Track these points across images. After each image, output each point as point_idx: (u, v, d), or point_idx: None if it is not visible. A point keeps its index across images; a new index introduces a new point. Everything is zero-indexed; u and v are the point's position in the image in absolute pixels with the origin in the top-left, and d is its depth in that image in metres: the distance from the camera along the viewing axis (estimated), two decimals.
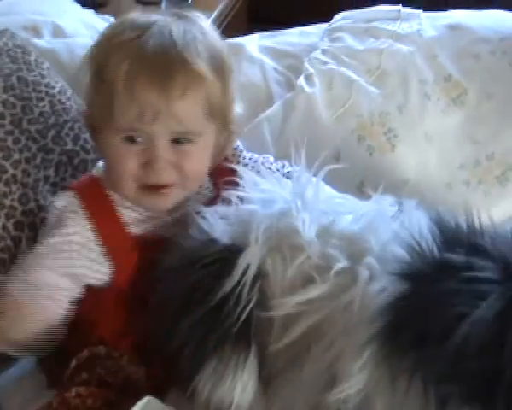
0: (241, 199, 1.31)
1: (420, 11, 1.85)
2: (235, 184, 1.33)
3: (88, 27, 2.02)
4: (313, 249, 1.20)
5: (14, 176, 1.49)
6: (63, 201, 1.36)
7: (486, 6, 1.87)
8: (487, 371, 1.01)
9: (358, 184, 1.60)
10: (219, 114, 1.33)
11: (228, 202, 1.32)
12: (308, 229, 1.21)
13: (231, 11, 2.04)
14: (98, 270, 1.34)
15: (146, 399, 1.17)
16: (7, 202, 1.46)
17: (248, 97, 1.70)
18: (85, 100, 1.39)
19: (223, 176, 1.38)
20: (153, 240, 1.35)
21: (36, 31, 1.93)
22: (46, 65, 1.69)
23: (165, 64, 1.26)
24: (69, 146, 1.58)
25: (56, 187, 1.53)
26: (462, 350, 1.01)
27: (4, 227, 1.44)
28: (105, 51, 1.31)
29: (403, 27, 1.80)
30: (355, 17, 1.86)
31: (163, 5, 2.66)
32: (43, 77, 1.65)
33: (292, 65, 1.81)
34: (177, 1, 2.65)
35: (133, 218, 1.35)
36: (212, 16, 2.45)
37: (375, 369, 1.08)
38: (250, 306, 1.19)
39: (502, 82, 1.71)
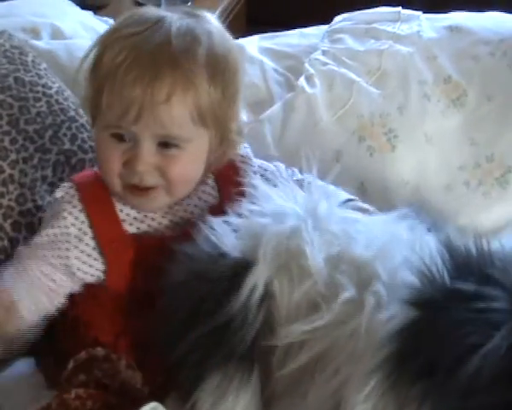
0: (253, 212, 1.28)
1: (420, 13, 1.85)
2: (245, 196, 1.31)
3: (87, 29, 2.02)
4: (320, 276, 1.17)
5: (11, 176, 1.48)
6: (61, 191, 1.35)
7: (486, 8, 1.87)
8: (499, 404, 0.98)
9: (359, 184, 1.59)
10: (214, 122, 1.30)
11: (238, 213, 1.29)
12: (317, 253, 1.18)
13: (231, 13, 2.03)
14: (92, 265, 1.33)
15: (153, 404, 1.16)
16: (4, 202, 1.46)
17: (248, 98, 1.69)
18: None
19: (228, 183, 1.37)
20: (149, 241, 1.33)
21: (35, 32, 1.92)
22: (43, 65, 1.69)
23: (154, 64, 1.24)
24: (67, 146, 1.58)
25: (54, 187, 1.52)
26: (473, 382, 0.98)
27: (1, 228, 1.44)
28: (104, 44, 1.30)
29: (403, 29, 1.79)
30: (355, 19, 1.86)
31: (162, 8, 2.66)
32: (40, 77, 1.64)
33: (292, 66, 1.80)
34: (176, 3, 2.65)
35: (130, 216, 1.34)
36: None
37: (382, 398, 1.05)
38: (257, 326, 1.17)
39: (501, 83, 1.70)
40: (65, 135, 1.59)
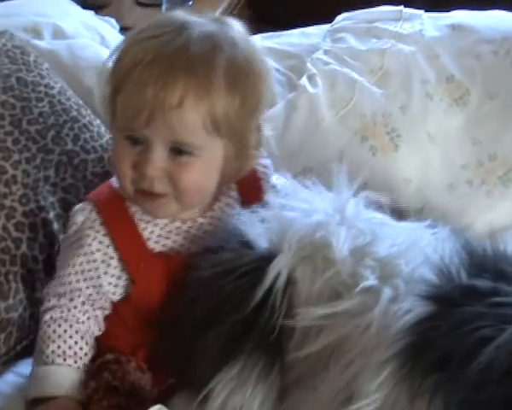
0: (282, 205, 1.30)
1: (422, 11, 1.84)
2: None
3: (88, 29, 2.01)
4: (344, 266, 1.19)
5: (14, 177, 1.48)
6: (82, 216, 1.33)
7: (489, 6, 1.86)
8: (511, 397, 0.99)
9: (361, 184, 1.58)
10: (229, 132, 1.28)
11: (268, 205, 1.31)
12: (342, 245, 1.20)
13: (231, 13, 2.03)
14: (123, 286, 1.32)
15: (157, 406, 1.17)
16: (7, 202, 1.46)
17: None
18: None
19: (252, 197, 1.36)
20: (176, 259, 1.32)
21: (37, 32, 1.92)
22: (45, 65, 1.68)
23: (170, 67, 1.23)
24: (69, 146, 1.57)
25: (56, 187, 1.53)
26: (485, 374, 1.00)
27: (5, 228, 1.43)
28: (127, 44, 1.29)
29: (405, 28, 1.79)
30: (357, 18, 1.85)
31: (163, 7, 2.66)
32: (42, 77, 1.64)
33: (294, 65, 1.79)
34: (178, 2, 2.65)
35: (154, 233, 1.33)
36: None
37: (394, 388, 1.06)
38: (281, 316, 1.19)
39: (504, 82, 1.70)
40: (67, 135, 1.58)
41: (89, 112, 1.66)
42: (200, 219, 1.35)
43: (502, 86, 1.69)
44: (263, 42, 1.89)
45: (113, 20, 2.21)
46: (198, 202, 1.33)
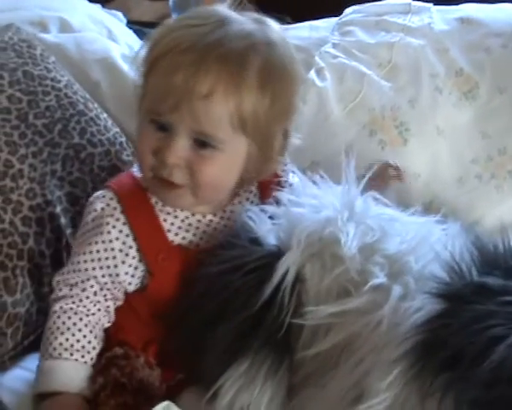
0: (291, 202, 1.29)
1: (430, 5, 1.83)
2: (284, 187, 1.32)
3: (95, 22, 2.00)
4: (353, 264, 1.19)
5: (20, 171, 1.48)
6: (101, 203, 1.32)
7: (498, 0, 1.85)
8: None
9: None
10: (255, 132, 1.27)
11: (277, 202, 1.30)
12: (351, 242, 1.20)
13: (239, 5, 2.02)
14: (140, 276, 1.32)
15: (165, 403, 1.16)
16: (14, 197, 1.45)
17: None
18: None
19: (270, 192, 1.34)
20: (193, 251, 1.31)
21: (43, 26, 1.91)
22: (52, 59, 1.68)
23: (204, 57, 1.22)
24: (76, 140, 1.57)
25: (63, 181, 1.52)
26: (497, 373, 0.99)
27: (11, 222, 1.43)
28: (166, 28, 1.30)
29: (413, 21, 1.78)
30: (365, 11, 1.84)
31: (171, 1, 2.65)
32: (48, 71, 1.64)
33: (302, 59, 1.75)
34: None
35: (174, 225, 1.32)
36: None
37: (405, 387, 1.06)
38: (290, 313, 1.19)
39: None
40: (74, 129, 1.58)
41: (96, 105, 1.66)
42: (221, 213, 1.35)
43: (511, 80, 1.68)
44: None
45: (120, 14, 2.20)
46: (214, 198, 1.33)
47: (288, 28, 1.91)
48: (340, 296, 1.18)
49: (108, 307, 1.31)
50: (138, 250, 1.30)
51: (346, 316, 1.16)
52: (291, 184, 1.39)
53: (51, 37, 1.86)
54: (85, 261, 1.30)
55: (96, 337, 1.28)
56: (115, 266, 1.30)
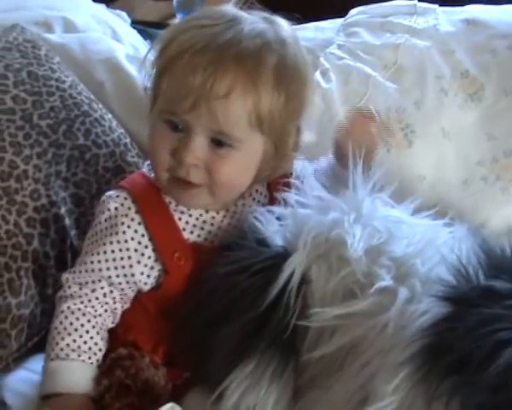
0: (298, 203, 1.30)
1: (436, 6, 1.82)
2: (291, 188, 1.32)
3: (100, 22, 2.00)
4: (359, 266, 1.18)
5: (25, 172, 1.48)
6: (115, 203, 1.31)
7: (503, 1, 1.84)
8: None
9: (375, 181, 1.57)
10: (271, 129, 1.28)
11: (284, 203, 1.31)
12: (357, 244, 1.20)
13: (244, 5, 2.01)
14: (156, 276, 1.32)
15: (169, 405, 1.16)
16: (18, 198, 1.45)
17: None
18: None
19: (278, 185, 1.35)
20: (208, 248, 1.32)
21: (47, 26, 1.91)
22: (56, 59, 1.68)
23: (221, 57, 1.23)
24: (80, 141, 1.57)
25: (68, 182, 1.52)
26: (504, 377, 0.99)
27: (16, 224, 1.43)
28: (177, 29, 1.30)
29: (419, 22, 1.77)
30: (371, 12, 1.84)
31: (175, 1, 2.64)
32: (53, 71, 1.63)
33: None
34: None
35: (189, 224, 1.32)
36: None
37: (411, 390, 1.05)
38: (295, 314, 1.19)
39: None
40: (79, 130, 1.58)
41: (100, 106, 1.66)
42: (233, 208, 1.35)
43: None
44: None
45: (124, 14, 2.20)
46: (230, 197, 1.33)
47: (294, 29, 1.91)
48: (346, 298, 1.18)
49: (116, 309, 1.31)
50: (154, 250, 1.30)
51: (352, 318, 1.16)
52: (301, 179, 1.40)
53: (55, 37, 1.85)
54: (99, 261, 1.29)
55: (102, 339, 1.28)
56: (130, 266, 1.30)
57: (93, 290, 1.29)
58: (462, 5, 1.84)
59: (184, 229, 1.32)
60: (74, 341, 1.26)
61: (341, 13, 1.89)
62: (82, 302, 1.28)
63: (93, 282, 1.29)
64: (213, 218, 1.33)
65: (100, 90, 1.75)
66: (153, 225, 1.30)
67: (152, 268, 1.31)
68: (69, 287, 1.30)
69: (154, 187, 1.33)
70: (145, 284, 1.31)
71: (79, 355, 1.26)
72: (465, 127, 1.65)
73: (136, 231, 1.30)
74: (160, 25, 2.42)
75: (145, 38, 2.07)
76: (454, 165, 1.63)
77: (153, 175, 1.34)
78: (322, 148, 1.50)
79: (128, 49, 1.90)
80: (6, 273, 1.39)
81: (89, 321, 1.27)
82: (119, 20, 2.13)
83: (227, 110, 1.23)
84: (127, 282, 1.30)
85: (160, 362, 1.27)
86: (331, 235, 1.22)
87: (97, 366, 1.27)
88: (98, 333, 1.28)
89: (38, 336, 1.43)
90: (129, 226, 1.30)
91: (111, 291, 1.30)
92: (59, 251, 1.48)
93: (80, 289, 1.29)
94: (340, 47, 1.77)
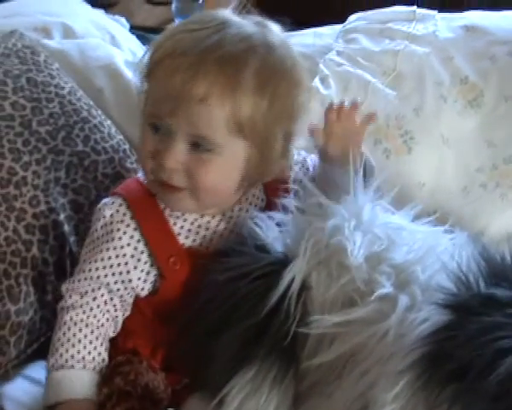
0: (298, 209, 1.29)
1: (435, 12, 1.82)
2: (290, 193, 1.32)
3: (99, 28, 2.00)
4: (359, 273, 1.18)
5: (24, 178, 1.47)
6: (110, 210, 1.32)
7: (503, 7, 1.84)
8: None
9: (375, 187, 1.57)
10: (254, 135, 1.26)
11: (285, 209, 1.30)
12: (358, 251, 1.19)
13: (243, 10, 2.01)
14: (152, 281, 1.31)
15: None
16: (17, 204, 1.45)
17: None
18: None
19: (276, 189, 1.34)
20: (204, 253, 1.31)
21: (46, 32, 1.91)
22: (56, 65, 1.68)
23: (201, 61, 1.22)
24: (80, 147, 1.57)
25: (67, 189, 1.52)
26: (505, 386, 0.98)
27: (15, 230, 1.43)
28: (168, 33, 1.30)
29: (418, 28, 1.77)
30: (370, 18, 1.84)
31: (173, 6, 2.65)
32: (52, 77, 1.63)
33: (306, 67, 1.75)
34: (187, 1, 2.63)
35: (184, 228, 1.32)
36: None
37: (411, 399, 1.05)
38: (295, 321, 1.19)
39: None
40: (78, 136, 1.58)
41: (99, 112, 1.66)
42: (229, 213, 1.35)
43: None
44: None
45: (123, 19, 2.20)
46: (217, 202, 1.32)
47: (293, 35, 1.90)
48: (346, 306, 1.18)
49: (117, 317, 1.30)
50: (150, 255, 1.30)
51: (352, 326, 1.16)
52: (308, 169, 1.42)
53: (54, 43, 1.85)
54: (97, 269, 1.29)
55: (106, 350, 1.29)
56: (127, 272, 1.30)
57: (94, 299, 1.29)
58: (462, 11, 1.84)
59: (179, 234, 1.32)
60: (78, 352, 1.26)
61: (340, 19, 1.89)
62: (84, 312, 1.28)
63: (93, 290, 1.29)
64: (209, 222, 1.33)
65: (99, 96, 1.75)
66: (148, 231, 1.30)
67: (148, 273, 1.31)
68: (70, 297, 1.29)
69: (149, 193, 1.33)
70: (142, 289, 1.31)
71: (85, 366, 1.26)
72: (464, 134, 1.65)
73: (131, 237, 1.30)
74: (158, 30, 2.41)
75: (144, 44, 2.07)
76: (453, 172, 1.63)
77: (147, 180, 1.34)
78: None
79: (127, 55, 1.90)
80: (5, 280, 1.39)
81: (92, 332, 1.27)
82: (118, 26, 2.13)
83: (205, 114, 1.23)
84: (125, 288, 1.30)
85: (158, 367, 1.27)
86: (331, 241, 1.22)
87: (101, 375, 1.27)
88: (102, 344, 1.28)
89: (38, 343, 1.43)
90: (125, 232, 1.30)
91: (111, 298, 1.29)
92: (58, 258, 1.47)
93: (81, 298, 1.29)
94: (339, 53, 1.77)
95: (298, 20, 2.05)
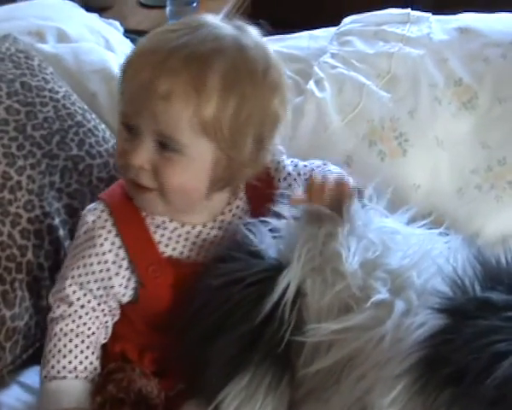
0: (291, 215, 1.29)
1: (429, 14, 1.82)
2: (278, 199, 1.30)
3: (93, 32, 2.00)
4: (354, 279, 1.18)
5: (18, 183, 1.47)
6: (93, 215, 1.32)
7: (497, 9, 1.84)
8: None
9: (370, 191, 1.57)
10: (219, 137, 1.23)
11: (276, 215, 1.29)
12: (352, 258, 1.19)
13: (236, 15, 2.01)
14: (133, 288, 1.31)
15: None
16: (12, 209, 1.44)
17: None
18: None
19: (260, 197, 1.33)
20: (186, 266, 1.31)
21: (40, 36, 1.90)
22: (50, 70, 1.67)
23: (167, 60, 1.21)
24: (74, 151, 1.56)
25: (62, 193, 1.52)
26: (501, 390, 0.98)
27: (10, 235, 1.42)
28: (146, 37, 1.30)
29: (412, 31, 1.77)
30: (364, 20, 1.84)
31: (167, 9, 2.65)
32: (46, 82, 1.63)
33: (301, 69, 1.77)
34: (181, 4, 2.64)
35: (164, 236, 1.32)
36: None
37: (408, 403, 1.05)
38: (290, 328, 1.18)
39: None
40: (72, 140, 1.57)
41: (94, 116, 1.65)
42: (211, 224, 1.34)
43: (510, 90, 1.67)
44: (269, 45, 1.87)
45: (117, 23, 2.20)
46: (187, 204, 1.30)
47: (287, 38, 1.91)
48: (342, 313, 1.18)
49: (107, 322, 1.31)
50: (130, 262, 1.30)
51: (348, 332, 1.16)
52: (289, 174, 1.41)
53: (49, 47, 1.85)
54: (80, 275, 1.30)
55: (97, 359, 1.29)
56: (109, 279, 1.30)
57: (82, 307, 1.29)
58: (456, 13, 1.84)
59: (160, 242, 1.31)
60: (70, 362, 1.27)
61: (335, 21, 1.89)
62: (74, 322, 1.29)
63: (78, 299, 1.29)
64: (188, 232, 1.33)
65: (93, 100, 1.75)
66: (128, 238, 1.30)
67: (129, 280, 1.31)
68: (58, 307, 1.30)
69: (131, 199, 1.32)
70: (123, 295, 1.31)
71: (77, 376, 1.26)
72: (459, 136, 1.65)
73: (113, 243, 1.30)
74: None
75: None
76: (448, 173, 1.63)
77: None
78: (315, 157, 1.50)
79: (121, 59, 1.89)
80: (0, 285, 1.39)
81: (82, 341, 1.28)
82: (112, 30, 2.12)
83: (168, 112, 1.21)
84: (107, 294, 1.30)
85: (148, 372, 1.27)
86: (326, 248, 1.22)
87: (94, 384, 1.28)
88: (93, 353, 1.29)
89: (33, 348, 1.43)
90: (106, 239, 1.30)
91: (98, 304, 1.30)
92: (53, 262, 1.47)
93: (69, 307, 1.29)
94: (333, 56, 1.76)
95: (292, 22, 2.06)
